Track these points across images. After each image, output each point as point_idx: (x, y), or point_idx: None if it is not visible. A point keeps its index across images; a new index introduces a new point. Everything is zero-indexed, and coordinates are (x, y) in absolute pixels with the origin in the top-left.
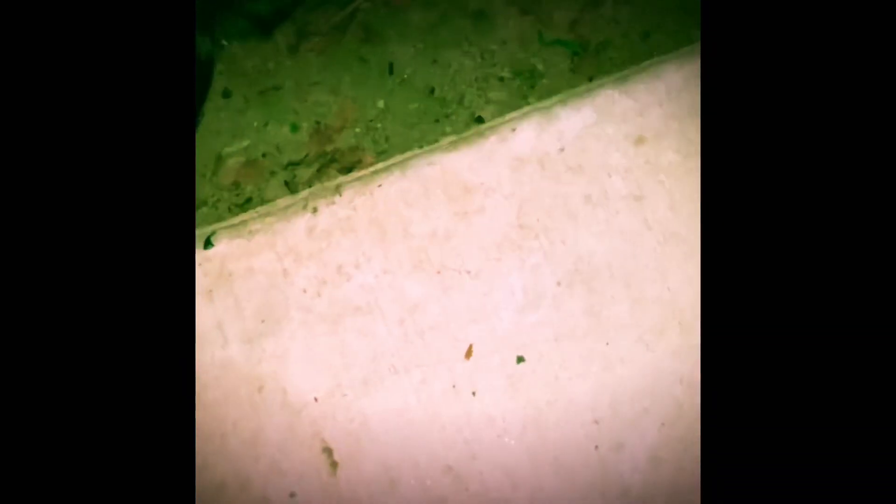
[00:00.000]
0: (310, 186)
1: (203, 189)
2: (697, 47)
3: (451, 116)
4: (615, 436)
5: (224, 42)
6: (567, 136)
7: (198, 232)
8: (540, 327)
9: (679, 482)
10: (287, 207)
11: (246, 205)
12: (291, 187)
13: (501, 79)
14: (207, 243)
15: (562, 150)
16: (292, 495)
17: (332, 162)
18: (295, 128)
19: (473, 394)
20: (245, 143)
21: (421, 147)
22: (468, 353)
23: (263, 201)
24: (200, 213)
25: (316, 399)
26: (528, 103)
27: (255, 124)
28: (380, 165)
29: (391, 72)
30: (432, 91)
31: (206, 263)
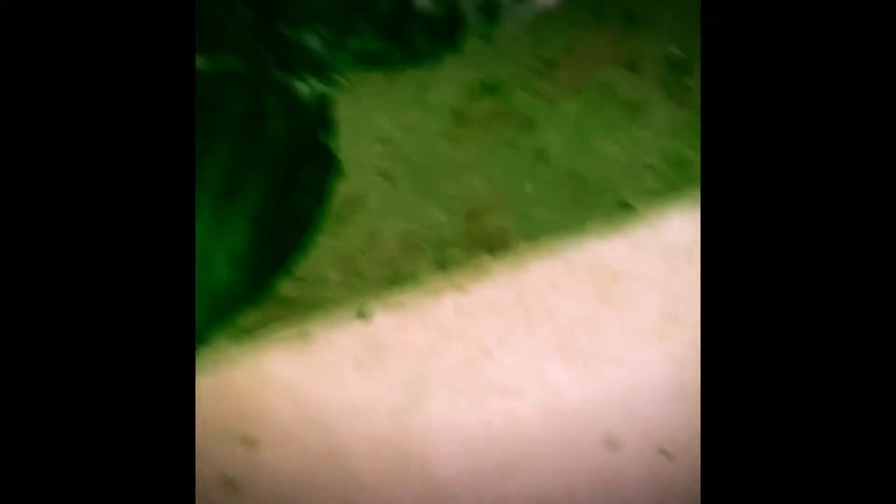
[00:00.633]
0: (459, 266)
1: (360, 264)
2: None
3: (600, 203)
4: None
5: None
6: None
7: (355, 305)
8: (685, 420)
9: None
10: (437, 285)
11: (399, 281)
12: (441, 266)
13: (653, 167)
14: (364, 316)
15: None
16: None
17: (481, 244)
18: (448, 210)
19: (615, 485)
20: (401, 223)
21: (569, 232)
22: (610, 444)
23: (415, 279)
24: (356, 287)
25: (458, 477)
26: (680, 193)
27: (412, 205)
28: (528, 248)
29: (542, 158)
30: (582, 177)
31: (363, 336)
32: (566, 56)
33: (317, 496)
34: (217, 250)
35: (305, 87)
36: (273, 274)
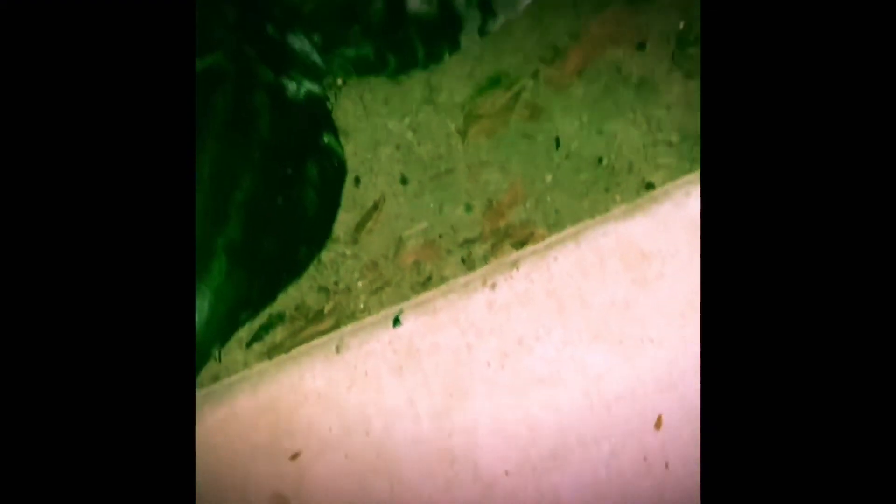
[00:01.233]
0: (486, 263)
1: (387, 270)
2: None
3: (621, 185)
4: None
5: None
6: None
7: (385, 312)
8: None
9: None
10: (467, 284)
11: (427, 283)
12: (468, 264)
13: (670, 143)
14: (396, 321)
15: None
16: None
17: (505, 238)
18: (468, 208)
19: (666, 465)
20: (423, 224)
21: (593, 217)
22: (658, 424)
23: (443, 279)
24: (385, 294)
25: (507, 473)
26: (700, 165)
27: (431, 206)
28: (553, 238)
29: (557, 146)
30: (600, 161)
31: (396, 341)
32: (571, 41)
33: (364, 500)
34: (211, 241)
35: (294, 86)
36: (277, 265)
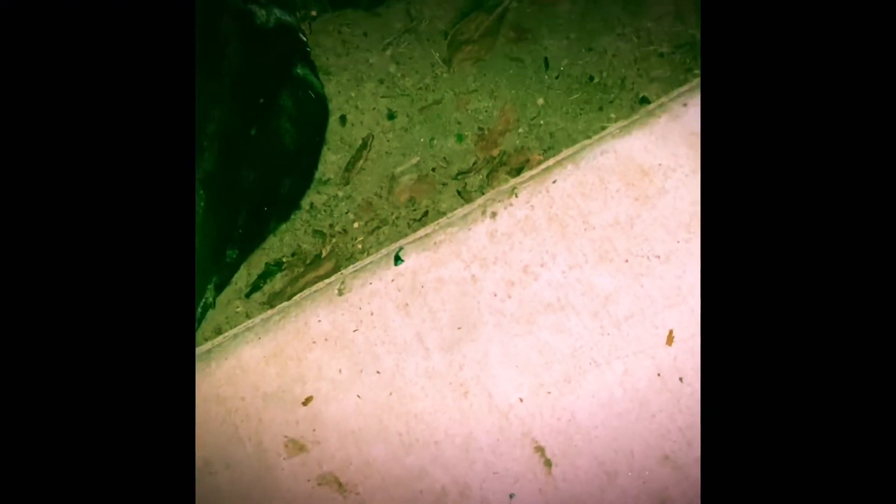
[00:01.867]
0: (483, 193)
1: (382, 208)
2: None
3: (616, 101)
4: None
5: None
6: None
7: (386, 250)
8: None
9: None
10: (466, 216)
11: (424, 219)
12: (465, 196)
13: (662, 55)
14: (397, 259)
15: None
16: (512, 496)
17: (500, 166)
18: (460, 138)
19: (681, 380)
20: (414, 159)
21: (589, 137)
22: (669, 339)
23: (440, 213)
24: (383, 232)
25: (521, 399)
26: (695, 75)
27: (422, 140)
28: (551, 161)
29: (547, 67)
30: (591, 79)
31: (399, 279)
32: None
33: (380, 439)
34: None
35: (264, 14)
36: (259, 198)
